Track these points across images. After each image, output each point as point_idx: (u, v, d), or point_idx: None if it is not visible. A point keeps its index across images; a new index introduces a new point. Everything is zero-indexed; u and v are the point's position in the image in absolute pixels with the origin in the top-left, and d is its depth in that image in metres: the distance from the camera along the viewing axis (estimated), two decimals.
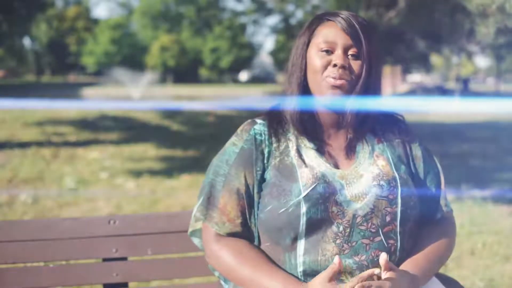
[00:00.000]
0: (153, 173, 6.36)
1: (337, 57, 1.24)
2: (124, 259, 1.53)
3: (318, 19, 1.31)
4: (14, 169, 6.40)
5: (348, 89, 1.24)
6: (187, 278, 1.61)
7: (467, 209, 4.60)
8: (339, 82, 1.23)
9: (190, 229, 1.34)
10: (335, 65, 1.24)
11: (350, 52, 1.25)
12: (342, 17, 1.26)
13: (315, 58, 1.26)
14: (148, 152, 8.21)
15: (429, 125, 12.64)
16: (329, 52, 1.26)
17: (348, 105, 1.26)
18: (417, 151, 1.35)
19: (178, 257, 1.57)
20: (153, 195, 5.25)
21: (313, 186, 1.18)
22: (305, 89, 1.29)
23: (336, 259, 1.10)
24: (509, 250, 3.62)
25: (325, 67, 1.25)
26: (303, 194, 1.17)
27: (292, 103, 1.29)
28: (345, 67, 1.23)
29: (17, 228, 1.49)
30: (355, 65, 1.25)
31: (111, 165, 6.94)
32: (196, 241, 1.34)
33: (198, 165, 6.88)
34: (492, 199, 5.06)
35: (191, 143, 9.29)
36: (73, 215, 4.39)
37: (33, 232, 1.48)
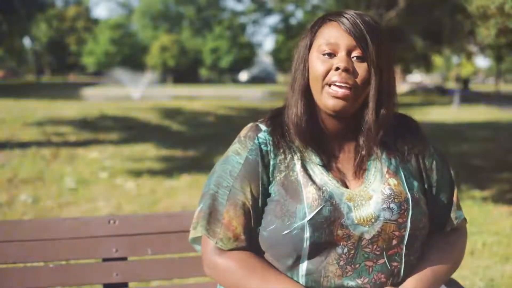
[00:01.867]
0: (153, 173, 6.36)
1: (339, 59, 1.14)
2: (124, 259, 1.53)
3: (320, 20, 1.21)
4: (14, 169, 6.40)
5: (353, 98, 1.15)
6: (187, 278, 1.60)
7: (467, 209, 4.60)
8: (341, 92, 1.13)
9: (191, 236, 1.27)
10: (337, 69, 1.14)
11: (354, 53, 1.15)
12: (345, 17, 1.16)
13: (316, 62, 1.17)
14: (148, 152, 8.21)
15: (429, 125, 12.63)
16: (332, 55, 1.16)
17: (356, 114, 1.18)
18: (430, 161, 1.27)
19: (178, 257, 1.56)
20: (153, 195, 5.25)
21: (318, 209, 1.12)
22: (309, 97, 1.20)
23: None
24: (509, 250, 3.62)
25: (327, 72, 1.15)
26: (308, 217, 1.11)
27: (295, 113, 1.20)
28: (349, 70, 1.14)
29: (17, 228, 1.49)
30: (360, 68, 1.15)
31: (111, 165, 6.93)
32: (198, 248, 1.29)
33: (198, 165, 6.89)
34: (492, 199, 5.06)
35: (191, 143, 9.30)
36: (73, 215, 4.39)
37: (33, 232, 1.48)
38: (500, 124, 13.65)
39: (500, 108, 20.14)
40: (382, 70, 1.16)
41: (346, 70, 1.13)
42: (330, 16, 1.20)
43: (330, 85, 1.15)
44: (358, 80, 1.14)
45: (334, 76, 1.14)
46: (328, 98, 1.15)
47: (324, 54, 1.16)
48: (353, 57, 1.15)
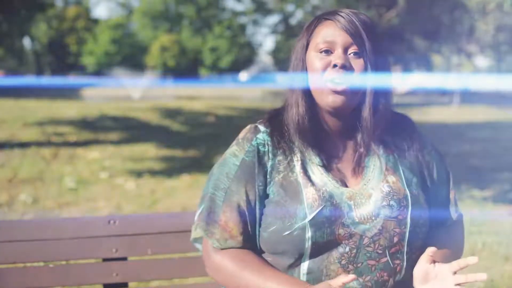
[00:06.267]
0: (153, 173, 6.36)
1: (336, 57, 1.16)
2: (124, 259, 1.53)
3: (316, 19, 1.24)
4: (14, 169, 6.40)
5: (351, 93, 1.16)
6: (187, 278, 1.60)
7: (467, 209, 4.60)
8: (340, 87, 1.15)
9: (192, 236, 1.29)
10: (335, 66, 1.15)
11: (351, 50, 1.17)
12: (341, 15, 1.18)
13: (314, 60, 1.19)
14: (148, 152, 8.21)
15: (429, 125, 12.63)
16: (329, 52, 1.18)
17: (354, 111, 1.19)
18: (428, 158, 1.28)
19: (178, 257, 1.56)
20: (153, 195, 5.25)
21: (319, 209, 1.13)
22: (308, 96, 1.21)
23: (350, 277, 1.05)
24: (509, 250, 3.62)
25: (325, 69, 1.17)
26: (309, 217, 1.12)
27: (296, 112, 1.21)
28: (346, 67, 1.15)
29: (17, 228, 1.49)
30: (357, 64, 1.16)
31: (111, 165, 6.93)
32: (200, 247, 1.29)
33: (198, 165, 6.89)
34: (492, 199, 5.06)
35: (191, 143, 9.30)
36: (73, 215, 4.39)
37: (33, 232, 1.48)
38: (500, 124, 13.65)
39: (500, 108, 20.13)
40: (378, 67, 1.18)
41: (343, 66, 1.15)
42: (326, 15, 1.22)
43: (329, 82, 1.17)
44: (356, 75, 1.16)
45: (332, 73, 1.16)
46: (328, 94, 1.17)
47: (321, 52, 1.19)
48: (350, 54, 1.18)
